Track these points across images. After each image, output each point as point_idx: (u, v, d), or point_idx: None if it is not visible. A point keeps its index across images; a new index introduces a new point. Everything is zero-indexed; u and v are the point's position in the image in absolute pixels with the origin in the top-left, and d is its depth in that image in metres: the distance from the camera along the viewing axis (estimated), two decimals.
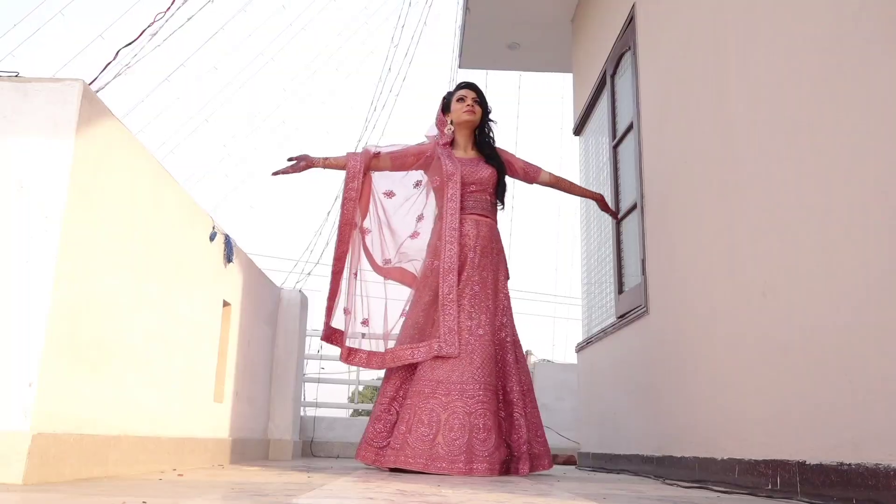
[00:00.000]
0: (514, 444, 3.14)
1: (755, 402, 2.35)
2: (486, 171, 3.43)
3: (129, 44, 3.73)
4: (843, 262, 1.91)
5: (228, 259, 3.32)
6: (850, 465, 1.81)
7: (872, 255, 1.80)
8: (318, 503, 1.56)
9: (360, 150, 3.54)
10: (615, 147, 4.29)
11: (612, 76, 4.42)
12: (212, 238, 3.10)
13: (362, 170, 3.36)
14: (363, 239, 3.46)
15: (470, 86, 3.57)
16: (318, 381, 6.24)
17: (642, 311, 3.55)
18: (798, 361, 2.11)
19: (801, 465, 2.01)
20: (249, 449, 3.86)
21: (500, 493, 2.00)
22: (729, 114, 2.65)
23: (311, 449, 5.54)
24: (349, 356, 3.35)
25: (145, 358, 2.44)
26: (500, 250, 3.44)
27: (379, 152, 3.42)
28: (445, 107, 3.57)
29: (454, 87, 3.67)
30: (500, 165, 3.48)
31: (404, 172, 3.53)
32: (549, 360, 7.18)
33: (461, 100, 3.50)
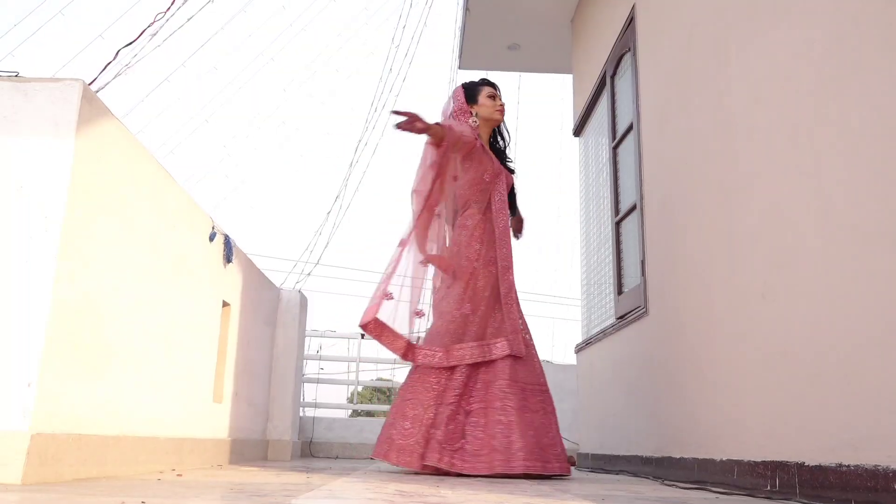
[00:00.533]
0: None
1: (754, 404, 2.35)
2: (511, 177, 3.53)
3: (129, 44, 3.73)
4: (843, 264, 1.91)
5: (228, 259, 3.32)
6: (849, 466, 1.80)
7: (872, 256, 1.80)
8: None
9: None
10: (615, 148, 4.29)
11: (612, 77, 4.42)
12: (211, 238, 3.10)
13: (473, 141, 3.35)
14: (437, 219, 3.40)
15: (495, 85, 3.54)
16: (318, 381, 6.23)
17: (642, 312, 3.55)
18: (797, 363, 2.10)
19: (800, 467, 2.01)
20: (248, 449, 3.86)
21: (500, 494, 2.00)
22: (729, 115, 2.65)
23: (310, 449, 5.54)
24: (407, 352, 3.22)
25: (145, 358, 2.44)
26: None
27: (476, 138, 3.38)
28: (470, 97, 3.49)
29: (478, 80, 3.58)
30: (513, 172, 3.56)
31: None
32: (548, 361, 7.18)
33: (493, 97, 3.47)
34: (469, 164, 3.36)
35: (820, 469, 1.92)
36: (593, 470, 4.22)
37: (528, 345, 3.30)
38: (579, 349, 5.05)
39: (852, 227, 1.88)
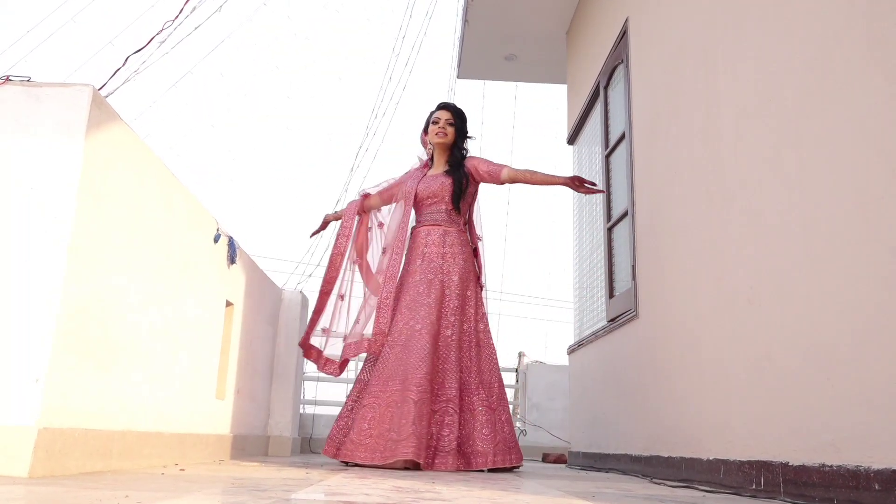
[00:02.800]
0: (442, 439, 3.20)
1: (740, 405, 2.35)
2: (436, 184, 3.61)
3: (138, 51, 3.73)
4: (826, 270, 1.92)
5: (232, 260, 3.32)
6: (831, 466, 1.81)
7: (854, 263, 1.80)
8: (316, 498, 1.56)
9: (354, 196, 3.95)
10: (607, 156, 4.30)
11: (606, 88, 4.43)
12: (216, 240, 3.09)
13: (356, 210, 3.76)
14: (361, 268, 3.74)
15: (446, 107, 3.72)
16: (318, 379, 6.22)
17: (632, 315, 3.55)
18: (781, 366, 2.11)
19: (784, 466, 2.02)
20: (250, 445, 3.85)
21: (493, 491, 2.00)
22: (716, 125, 2.66)
23: (309, 446, 5.52)
24: (325, 366, 3.60)
25: (150, 355, 2.43)
26: (454, 254, 3.50)
27: (368, 193, 3.82)
28: (425, 130, 3.76)
29: (435, 107, 3.78)
30: (457, 176, 3.60)
31: (393, 204, 3.76)
32: (541, 362, 7.18)
33: (436, 122, 3.67)
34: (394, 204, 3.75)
35: (803, 469, 1.92)
36: (584, 468, 4.22)
37: (480, 344, 3.44)
38: (571, 350, 5.05)
39: (834, 235, 1.89)
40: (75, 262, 1.90)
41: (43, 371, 1.78)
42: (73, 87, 1.97)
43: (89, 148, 1.95)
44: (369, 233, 3.80)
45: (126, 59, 3.56)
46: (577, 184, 3.37)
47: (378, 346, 3.35)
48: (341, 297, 3.67)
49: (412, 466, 3.00)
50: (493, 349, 3.50)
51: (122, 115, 2.16)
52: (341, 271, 3.69)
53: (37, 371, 1.78)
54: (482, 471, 3.14)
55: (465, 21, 5.68)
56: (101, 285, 2.05)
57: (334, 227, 3.91)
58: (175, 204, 2.62)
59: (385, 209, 3.82)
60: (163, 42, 3.91)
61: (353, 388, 3.45)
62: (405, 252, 3.58)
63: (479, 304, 3.52)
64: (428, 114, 3.79)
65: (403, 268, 3.54)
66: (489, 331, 3.53)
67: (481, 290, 3.60)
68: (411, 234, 3.63)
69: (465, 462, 3.15)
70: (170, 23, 3.97)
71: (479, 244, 3.71)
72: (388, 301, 3.41)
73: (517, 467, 3.34)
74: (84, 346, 1.97)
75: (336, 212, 3.92)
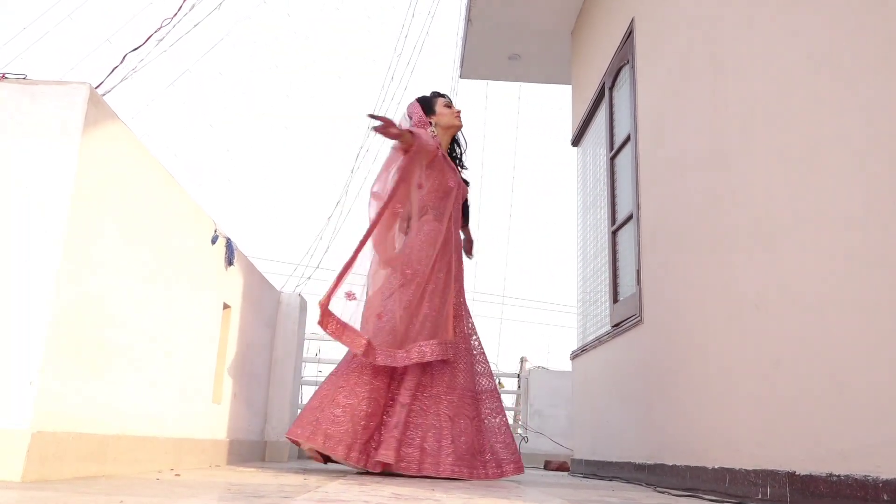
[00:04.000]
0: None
1: (746, 413, 2.35)
2: (466, 188, 3.62)
3: (136, 48, 3.74)
4: (837, 275, 1.91)
5: (229, 262, 3.32)
6: (839, 476, 1.80)
7: (865, 268, 1.80)
8: None
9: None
10: (612, 158, 4.30)
11: (611, 89, 4.43)
12: (213, 241, 3.10)
13: (414, 156, 3.36)
14: (397, 220, 3.42)
15: (446, 96, 3.68)
16: (316, 384, 6.22)
17: (636, 320, 3.55)
18: (789, 373, 2.10)
19: (791, 476, 2.01)
20: (246, 450, 3.85)
21: (494, 499, 2.00)
22: (724, 127, 2.66)
23: (306, 451, 5.52)
24: (368, 351, 3.10)
25: (145, 358, 2.43)
26: (461, 260, 3.56)
27: (422, 144, 3.37)
28: (428, 110, 3.58)
29: (430, 93, 3.69)
30: (467, 183, 3.65)
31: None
32: (543, 367, 7.17)
33: (449, 106, 3.60)
34: (430, 173, 3.42)
35: (811, 478, 1.92)
36: (586, 476, 4.21)
37: (478, 350, 3.41)
38: (575, 356, 5.05)
39: (844, 239, 1.89)
40: (70, 262, 1.90)
41: (37, 374, 1.78)
42: (69, 85, 1.98)
43: (85, 147, 1.95)
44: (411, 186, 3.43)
45: (124, 57, 3.57)
46: (468, 247, 3.71)
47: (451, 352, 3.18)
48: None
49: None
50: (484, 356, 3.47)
51: (120, 113, 2.16)
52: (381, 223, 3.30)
53: (30, 373, 1.78)
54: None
55: (468, 20, 5.68)
56: (96, 286, 2.05)
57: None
58: (172, 204, 2.63)
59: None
60: (161, 40, 3.91)
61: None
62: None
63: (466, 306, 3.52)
64: (422, 97, 3.64)
65: (422, 254, 3.32)
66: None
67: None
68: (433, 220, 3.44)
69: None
70: (168, 20, 3.98)
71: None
72: (451, 304, 3.28)
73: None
74: (78, 348, 1.97)
75: (403, 129, 3.30)
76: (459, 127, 3.61)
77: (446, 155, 3.55)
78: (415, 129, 3.39)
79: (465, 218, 3.68)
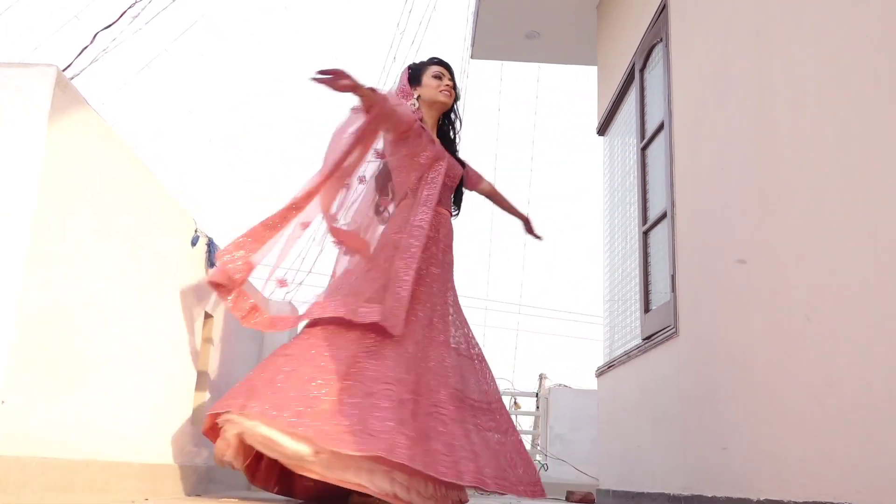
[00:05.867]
0: None
1: (796, 438, 2.34)
2: (459, 169, 3.43)
3: (108, 27, 3.76)
4: None
5: (211, 265, 3.33)
6: None
7: None
8: None
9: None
10: (643, 149, 4.30)
11: (642, 70, 4.43)
12: (194, 242, 3.11)
13: (376, 114, 3.16)
14: (346, 190, 3.35)
15: (445, 64, 3.49)
16: None
17: (671, 332, 3.55)
18: (845, 393, 2.10)
19: None
20: (229, 477, 3.86)
21: None
22: (772, 115, 2.65)
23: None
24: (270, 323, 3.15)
25: (118, 374, 2.44)
26: (450, 247, 3.38)
27: (389, 108, 3.20)
28: (414, 78, 3.46)
29: (425, 59, 3.55)
30: (463, 165, 3.49)
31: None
32: (565, 385, 7.16)
33: (438, 77, 3.42)
34: (404, 148, 3.27)
35: None
36: None
37: (481, 359, 3.29)
38: (601, 372, 5.04)
39: None
40: (35, 265, 1.91)
41: None
42: (34, 67, 1.99)
43: (52, 137, 1.96)
44: (367, 152, 3.34)
45: (94, 37, 3.59)
46: (528, 223, 3.72)
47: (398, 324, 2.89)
48: (304, 225, 3.23)
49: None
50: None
51: (90, 99, 2.18)
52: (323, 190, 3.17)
53: None
54: None
55: None
56: (64, 294, 2.06)
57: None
58: (148, 201, 2.64)
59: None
60: (136, 17, 3.94)
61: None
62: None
63: (457, 303, 3.38)
64: (415, 63, 3.55)
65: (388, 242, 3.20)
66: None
67: None
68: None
69: None
70: None
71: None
72: (409, 279, 3.01)
73: None
74: (44, 363, 1.98)
75: (363, 85, 3.03)
76: (445, 104, 3.42)
77: (429, 131, 3.37)
78: (382, 90, 3.20)
79: (458, 202, 3.51)
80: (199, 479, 3.33)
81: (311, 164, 3.24)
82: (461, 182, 3.48)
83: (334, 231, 3.29)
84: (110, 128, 2.31)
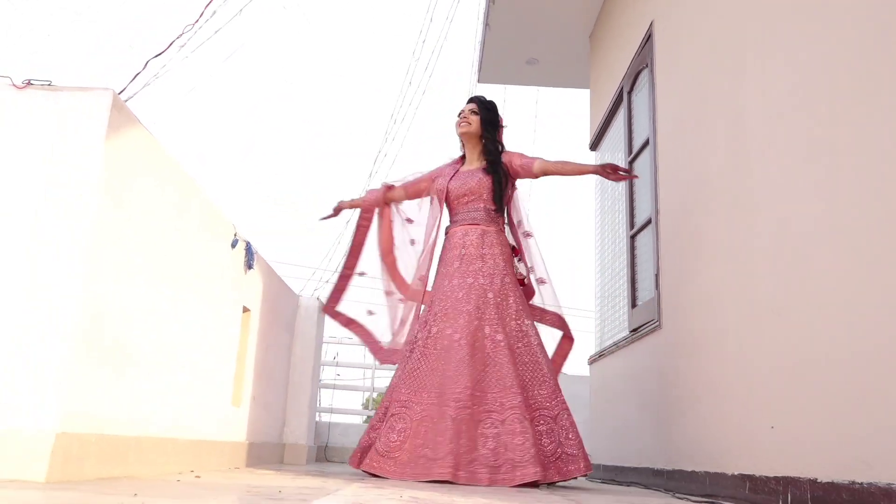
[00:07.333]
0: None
1: (766, 418, 2.33)
2: (473, 181, 3.42)
3: (158, 55, 3.78)
4: (858, 281, 1.89)
5: (249, 266, 3.34)
6: (861, 483, 1.78)
7: (887, 273, 1.78)
8: None
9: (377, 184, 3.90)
10: (631, 162, 4.28)
11: (629, 93, 4.41)
12: (233, 245, 3.12)
13: (377, 201, 3.65)
14: (389, 267, 3.62)
15: (471, 98, 3.62)
16: (334, 387, 6.24)
17: (655, 325, 3.53)
18: (810, 379, 2.08)
19: (813, 483, 1.99)
20: (265, 452, 3.87)
21: (511, 503, 1.99)
22: (744, 131, 2.64)
23: (325, 454, 5.54)
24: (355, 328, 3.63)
25: (166, 361, 2.46)
26: (493, 255, 3.31)
27: (392, 185, 3.66)
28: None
29: None
30: (497, 172, 3.42)
31: (420, 199, 3.66)
32: (562, 372, 7.14)
33: (459, 114, 3.57)
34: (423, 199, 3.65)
35: (832, 486, 1.90)
36: (605, 481, 4.18)
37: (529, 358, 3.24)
38: (593, 361, 5.03)
39: (867, 244, 1.86)
40: (94, 267, 1.92)
41: (61, 376, 1.80)
42: (93, 91, 2.01)
43: (109, 152, 1.98)
44: (393, 226, 3.67)
45: (146, 64, 3.62)
46: (610, 170, 3.31)
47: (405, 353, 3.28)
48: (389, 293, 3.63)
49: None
50: (543, 351, 3.30)
51: (142, 118, 2.19)
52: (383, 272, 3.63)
53: (54, 377, 1.80)
54: (537, 484, 2.89)
55: (487, 24, 5.69)
56: (118, 290, 2.08)
57: (348, 220, 3.91)
58: (193, 209, 2.65)
59: (408, 204, 3.70)
60: (183, 46, 3.96)
61: (385, 396, 3.28)
62: (438, 254, 3.45)
63: (522, 306, 3.30)
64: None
65: (437, 270, 3.40)
66: (537, 332, 3.31)
67: (524, 286, 3.43)
68: (445, 233, 3.47)
69: (498, 475, 2.85)
70: (189, 27, 4.02)
71: (531, 240, 3.51)
72: (417, 309, 3.41)
73: (574, 478, 3.09)
74: (101, 351, 1.99)
75: (353, 200, 3.75)
76: (462, 134, 3.54)
77: (458, 166, 3.56)
78: (369, 196, 3.71)
79: (499, 209, 3.42)
80: (238, 454, 3.35)
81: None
82: (503, 183, 3.42)
83: (407, 295, 3.56)
84: (160, 144, 2.32)
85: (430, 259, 3.43)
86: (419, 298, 3.43)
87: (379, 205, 3.66)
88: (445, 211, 3.51)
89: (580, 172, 3.46)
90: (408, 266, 3.60)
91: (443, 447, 2.87)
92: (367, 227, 3.67)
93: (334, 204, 3.70)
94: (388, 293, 3.58)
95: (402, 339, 3.41)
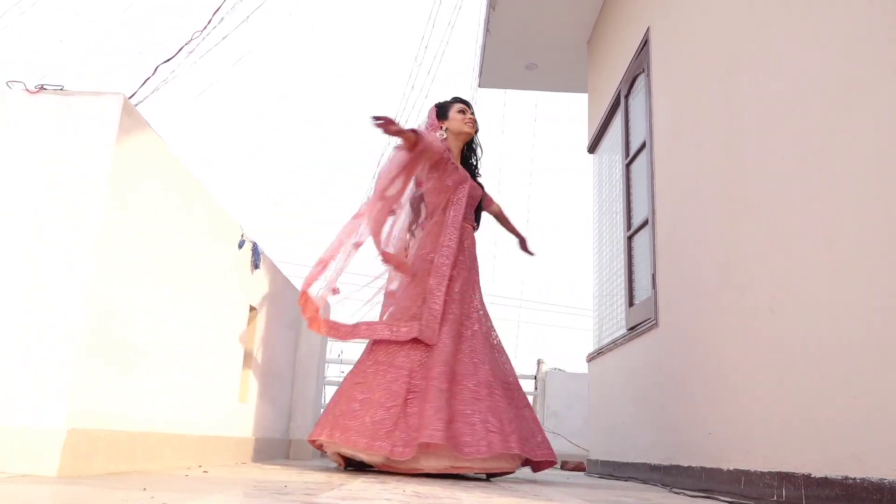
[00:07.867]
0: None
1: (761, 415, 2.32)
2: (479, 189, 3.58)
3: (167, 60, 3.78)
4: (849, 280, 1.89)
5: (255, 266, 3.34)
6: (854, 479, 1.77)
7: (879, 273, 1.77)
8: (337, 502, 1.56)
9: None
10: (628, 165, 4.27)
11: (626, 97, 4.41)
12: (240, 245, 3.12)
13: (419, 151, 3.30)
14: (392, 216, 3.41)
15: (466, 102, 3.65)
16: (339, 384, 6.24)
17: (652, 323, 3.52)
18: (804, 376, 2.08)
19: (807, 478, 1.98)
20: (271, 448, 3.87)
21: (511, 498, 1.99)
22: (739, 134, 2.63)
23: (330, 456, 5.52)
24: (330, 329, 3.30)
25: (174, 359, 2.45)
26: (475, 257, 3.49)
27: (426, 146, 3.33)
28: (441, 114, 3.59)
29: (450, 98, 3.67)
30: (482, 188, 3.61)
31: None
32: (560, 369, 7.13)
33: (462, 112, 3.56)
34: (435, 174, 3.41)
35: (826, 481, 1.89)
36: (602, 476, 4.18)
37: (499, 347, 3.34)
38: (591, 358, 5.02)
39: (858, 245, 1.86)
40: (102, 265, 1.92)
41: (70, 375, 1.80)
42: (104, 95, 2.00)
43: (119, 154, 1.97)
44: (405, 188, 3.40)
45: (156, 69, 3.62)
46: (523, 242, 3.78)
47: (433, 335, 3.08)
48: (357, 245, 3.29)
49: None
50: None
51: (151, 122, 2.19)
52: (368, 215, 3.26)
53: (65, 375, 1.80)
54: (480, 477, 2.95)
55: (487, 31, 5.69)
56: (126, 289, 2.07)
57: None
58: (200, 210, 2.65)
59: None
60: (191, 52, 3.96)
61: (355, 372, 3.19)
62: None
63: (483, 304, 3.45)
64: (440, 102, 3.65)
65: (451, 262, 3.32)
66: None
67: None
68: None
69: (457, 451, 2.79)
70: (198, 33, 4.02)
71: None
72: (441, 291, 3.19)
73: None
74: (109, 349, 1.99)
75: (406, 129, 3.20)
76: (469, 134, 3.55)
77: (455, 160, 3.50)
78: (420, 129, 3.37)
79: (477, 219, 3.61)
80: (245, 449, 3.35)
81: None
82: (481, 200, 3.60)
83: (385, 255, 3.38)
84: (168, 147, 2.32)
85: (453, 248, 3.33)
86: (405, 271, 3.37)
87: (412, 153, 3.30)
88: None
89: (511, 231, 3.81)
90: (394, 227, 3.47)
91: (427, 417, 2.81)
92: (403, 172, 3.30)
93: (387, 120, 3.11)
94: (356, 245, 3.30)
95: (391, 249, 3.37)
